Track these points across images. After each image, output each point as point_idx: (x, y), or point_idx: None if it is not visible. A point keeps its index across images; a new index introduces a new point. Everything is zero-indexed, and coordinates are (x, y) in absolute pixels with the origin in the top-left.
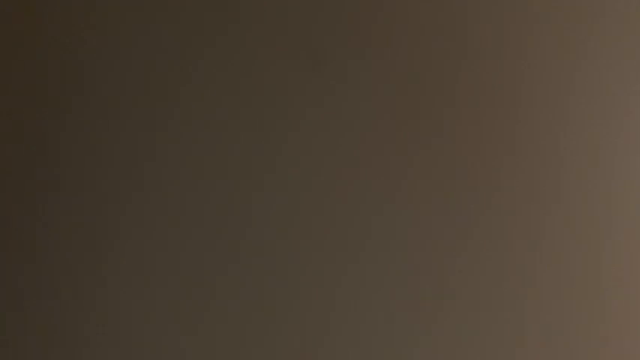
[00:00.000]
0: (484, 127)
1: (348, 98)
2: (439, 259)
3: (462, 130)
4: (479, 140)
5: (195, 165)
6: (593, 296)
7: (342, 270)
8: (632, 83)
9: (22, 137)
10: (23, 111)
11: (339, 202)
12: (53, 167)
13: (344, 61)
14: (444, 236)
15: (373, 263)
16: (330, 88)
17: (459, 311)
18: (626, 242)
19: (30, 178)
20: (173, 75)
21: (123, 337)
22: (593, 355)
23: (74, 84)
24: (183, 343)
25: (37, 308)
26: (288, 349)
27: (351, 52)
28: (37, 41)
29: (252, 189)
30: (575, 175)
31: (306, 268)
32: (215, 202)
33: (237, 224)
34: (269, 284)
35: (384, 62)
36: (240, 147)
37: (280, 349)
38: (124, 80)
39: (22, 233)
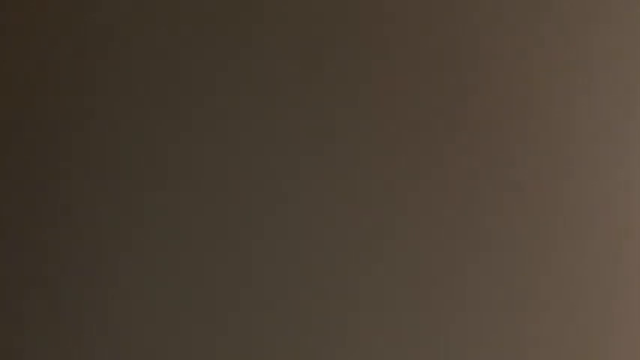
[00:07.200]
0: (488, 128)
1: (349, 98)
2: (445, 261)
3: (465, 129)
4: (482, 140)
5: (197, 166)
6: (597, 297)
7: (344, 271)
8: (632, 83)
9: (23, 138)
10: (24, 111)
11: (339, 201)
12: (56, 168)
13: (345, 61)
14: (447, 237)
15: (377, 263)
16: (330, 88)
17: (464, 313)
18: (628, 242)
19: (32, 179)
20: (173, 76)
21: (123, 338)
22: (595, 354)
23: (75, 84)
24: (184, 345)
25: (38, 307)
26: (292, 350)
27: (352, 52)
28: (39, 41)
29: (253, 188)
30: (579, 175)
31: (309, 270)
32: (216, 203)
33: (238, 224)
34: (274, 286)
35: (385, 62)
36: (241, 146)
37: (283, 350)
38: (124, 80)
39: (24, 234)
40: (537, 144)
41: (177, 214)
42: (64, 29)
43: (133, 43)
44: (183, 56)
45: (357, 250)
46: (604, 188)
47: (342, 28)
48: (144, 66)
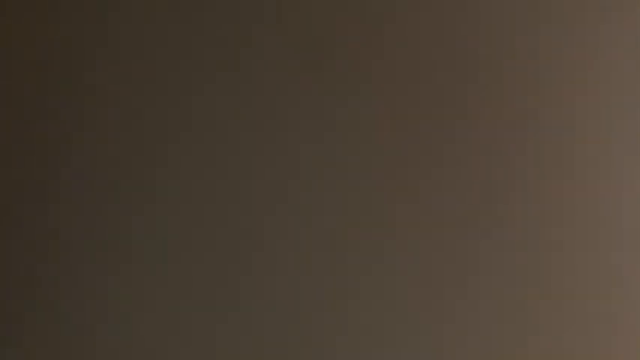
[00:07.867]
0: (489, 127)
1: (349, 98)
2: (445, 261)
3: (465, 129)
4: (482, 140)
5: (195, 165)
6: (599, 296)
7: (344, 271)
8: (632, 84)
9: (23, 139)
10: (25, 112)
11: (339, 200)
12: (58, 168)
13: (345, 61)
14: (447, 237)
15: (376, 263)
16: (330, 88)
17: (464, 313)
18: (628, 242)
19: (32, 180)
20: (173, 76)
21: (122, 339)
22: (595, 352)
23: (75, 84)
24: (183, 346)
25: (38, 307)
26: (291, 350)
27: (352, 52)
28: (41, 41)
29: (252, 188)
30: (580, 176)
31: (308, 269)
32: (216, 202)
33: (238, 224)
34: (274, 285)
35: (385, 62)
36: (240, 146)
37: (283, 350)
38: (124, 80)
39: (23, 234)
40: (538, 144)
41: (177, 213)
42: (62, 28)
43: (132, 43)
44: (183, 56)
45: (356, 250)
46: (606, 188)
47: (342, 28)
48: (143, 66)
